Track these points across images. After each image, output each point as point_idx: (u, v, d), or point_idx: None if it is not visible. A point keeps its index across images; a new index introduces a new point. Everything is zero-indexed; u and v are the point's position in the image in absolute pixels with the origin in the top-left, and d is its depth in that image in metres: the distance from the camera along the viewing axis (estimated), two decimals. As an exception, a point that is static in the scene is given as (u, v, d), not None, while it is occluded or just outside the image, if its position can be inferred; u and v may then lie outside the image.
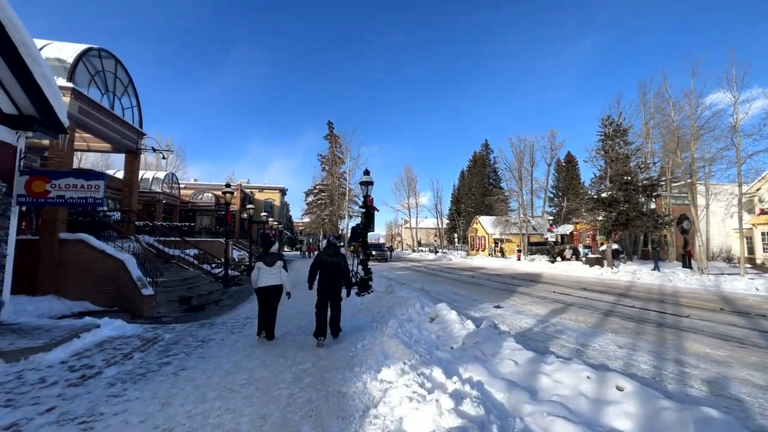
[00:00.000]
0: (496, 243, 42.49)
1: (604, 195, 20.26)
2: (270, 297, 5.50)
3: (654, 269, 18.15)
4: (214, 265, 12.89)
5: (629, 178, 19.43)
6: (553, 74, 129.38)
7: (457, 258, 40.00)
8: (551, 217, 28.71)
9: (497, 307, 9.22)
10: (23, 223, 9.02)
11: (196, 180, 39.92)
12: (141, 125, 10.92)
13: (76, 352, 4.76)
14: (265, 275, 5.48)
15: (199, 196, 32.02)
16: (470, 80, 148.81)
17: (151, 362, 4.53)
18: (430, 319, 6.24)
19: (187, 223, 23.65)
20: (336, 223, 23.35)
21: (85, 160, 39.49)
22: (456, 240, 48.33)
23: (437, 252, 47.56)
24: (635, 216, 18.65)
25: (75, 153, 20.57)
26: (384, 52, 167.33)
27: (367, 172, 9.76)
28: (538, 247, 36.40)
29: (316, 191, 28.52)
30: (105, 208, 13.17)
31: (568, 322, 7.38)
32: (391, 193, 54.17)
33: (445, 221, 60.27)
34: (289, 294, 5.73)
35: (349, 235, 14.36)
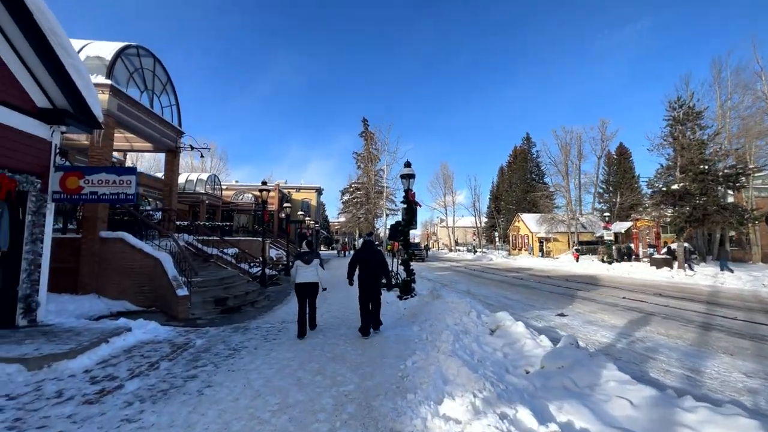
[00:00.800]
0: (540, 242, 39.88)
1: (674, 187, 17.80)
2: (308, 292, 5.88)
3: (722, 270, 15.61)
4: (252, 264, 12.71)
5: (706, 167, 16.88)
6: (599, 61, 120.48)
7: (498, 258, 38.00)
8: (607, 214, 26.05)
9: (561, 315, 8.00)
10: (73, 221, 9.23)
11: (237, 181, 41.33)
12: (180, 124, 10.91)
13: (103, 360, 4.39)
14: (304, 272, 5.85)
15: (240, 197, 32.95)
16: (509, 72, 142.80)
17: (177, 375, 4.03)
18: (490, 331, 5.28)
19: (228, 223, 24.24)
20: (372, 221, 22.71)
21: (141, 163, 42.27)
22: (496, 239, 46.07)
23: (476, 251, 45.64)
24: (715, 210, 16.15)
25: (128, 155, 21.72)
26: (419, 46, 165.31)
27: (408, 164, 8.93)
28: (588, 246, 33.48)
29: (351, 190, 28.15)
30: (139, 203, 13.49)
31: (659, 338, 6.06)
32: (427, 192, 52.75)
33: (484, 219, 57.89)
34: (324, 288, 6.11)
35: (387, 233, 13.53)
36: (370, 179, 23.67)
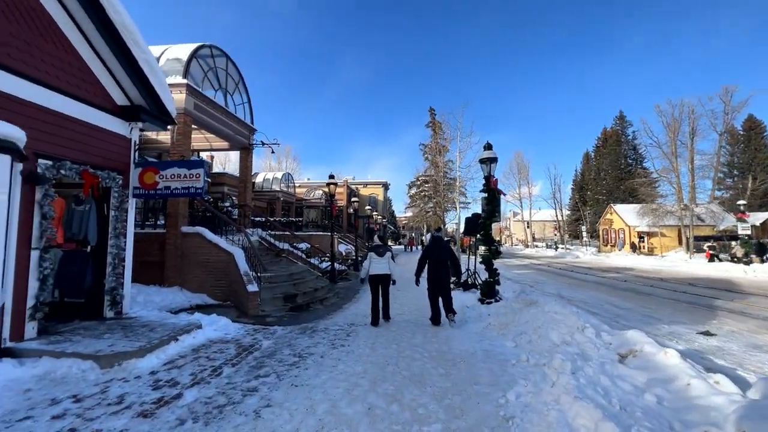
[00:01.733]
0: (640, 237, 34.17)
1: None
2: (380, 283, 6.17)
3: None
4: (322, 259, 12.60)
5: None
6: (714, 9, 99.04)
7: (585, 255, 33.58)
8: (742, 202, 20.73)
9: (705, 334, 6.05)
10: (161, 217, 9.99)
11: (309, 179, 43.37)
12: (252, 121, 11.15)
13: (170, 360, 4.19)
14: (376, 264, 6.15)
15: (311, 194, 34.33)
16: (593, 49, 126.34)
17: (237, 385, 3.58)
18: (619, 357, 3.90)
19: (299, 219, 25.24)
20: (441, 215, 21.51)
21: (228, 165, 47.01)
22: (584, 234, 40.89)
23: (557, 248, 41.11)
24: None
25: (215, 157, 23.84)
26: (489, 27, 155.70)
27: (488, 146, 7.66)
28: (708, 242, 27.46)
29: (418, 183, 27.19)
30: (219, 201, 14.24)
31: None
32: (499, 183, 48.82)
33: (565, 212, 51.98)
34: (394, 281, 6.37)
35: (462, 227, 12.33)
36: (439, 170, 22.42)
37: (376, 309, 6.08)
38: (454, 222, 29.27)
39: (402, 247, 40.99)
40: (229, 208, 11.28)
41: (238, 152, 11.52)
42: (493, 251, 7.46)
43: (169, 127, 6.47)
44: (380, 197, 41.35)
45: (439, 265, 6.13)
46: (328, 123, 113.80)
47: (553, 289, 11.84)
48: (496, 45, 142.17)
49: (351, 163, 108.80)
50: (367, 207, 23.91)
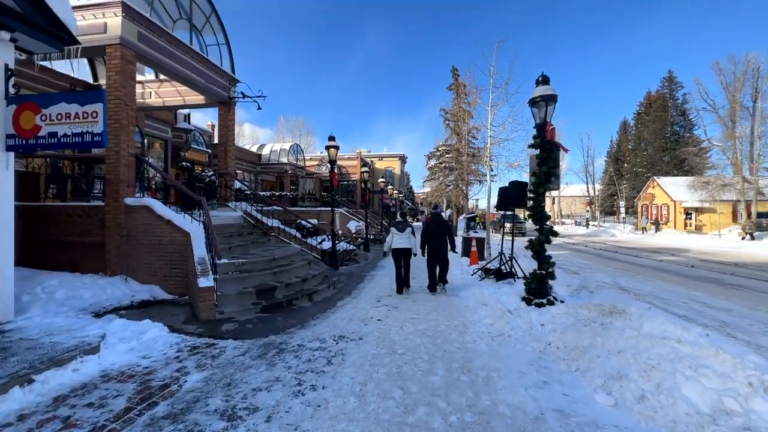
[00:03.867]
0: (687, 214, 30.54)
1: None
2: (402, 256, 6.66)
3: None
4: (322, 240, 10.69)
5: None
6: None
7: (623, 233, 30.38)
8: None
9: None
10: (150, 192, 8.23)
11: (321, 152, 41.26)
12: (233, 70, 9.00)
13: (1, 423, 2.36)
14: (398, 239, 6.67)
15: (324, 167, 32.31)
16: (635, 12, 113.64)
17: None
18: None
19: (293, 191, 23.44)
20: (464, 190, 19.08)
21: (241, 139, 45.25)
22: (621, 209, 37.24)
23: (588, 225, 37.84)
24: None
25: (215, 126, 21.95)
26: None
27: (544, 80, 5.24)
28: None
29: (438, 153, 24.53)
30: (193, 170, 12.39)
31: None
32: (525, 156, 45.15)
33: (598, 187, 47.89)
34: (415, 254, 6.81)
35: (492, 200, 10.07)
36: (462, 139, 19.78)
37: (399, 279, 6.70)
38: (475, 198, 26.66)
39: (420, 223, 38.82)
40: (212, 177, 9.39)
41: (212, 107, 9.40)
42: (547, 231, 5.22)
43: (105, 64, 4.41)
44: (397, 171, 38.85)
45: (438, 238, 6.64)
46: (349, 98, 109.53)
47: (605, 276, 9.53)
48: (527, 3, 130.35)
49: (371, 139, 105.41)
50: (381, 179, 21.60)
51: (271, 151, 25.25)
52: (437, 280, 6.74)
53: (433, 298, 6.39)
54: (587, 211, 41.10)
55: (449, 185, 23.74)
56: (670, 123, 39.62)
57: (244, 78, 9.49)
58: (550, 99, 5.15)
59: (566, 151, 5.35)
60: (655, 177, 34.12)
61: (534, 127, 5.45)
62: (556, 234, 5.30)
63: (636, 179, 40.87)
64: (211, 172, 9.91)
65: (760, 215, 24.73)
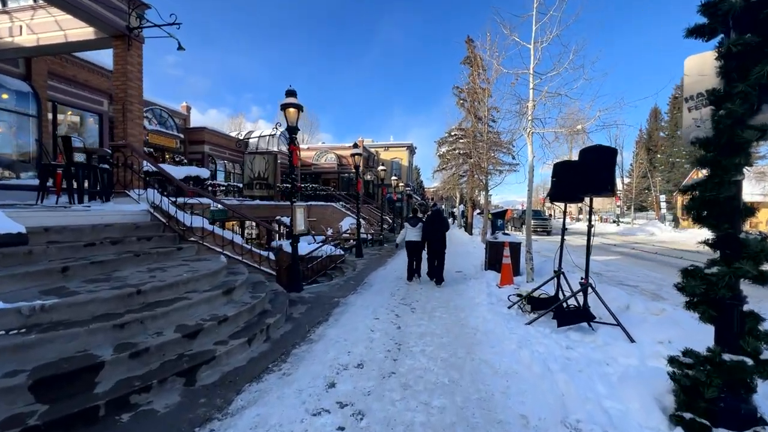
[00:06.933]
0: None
1: None
2: (415, 248, 7.21)
3: None
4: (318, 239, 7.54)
5: None
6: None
7: (663, 232, 26.45)
8: None
9: None
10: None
11: (323, 143, 38.18)
12: (141, -9, 5.92)
13: None
14: (411, 233, 7.22)
15: (322, 158, 29.22)
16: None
17: None
18: None
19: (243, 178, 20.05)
20: (484, 181, 15.72)
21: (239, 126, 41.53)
22: (662, 205, 33.10)
23: (618, 222, 33.84)
24: None
25: (191, 109, 18.64)
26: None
27: None
28: None
29: (451, 139, 21.15)
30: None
31: None
32: (540, 148, 40.87)
33: (626, 180, 43.50)
34: (425, 246, 7.20)
35: (540, 187, 6.50)
36: (476, 123, 16.44)
37: (410, 269, 7.29)
38: (491, 190, 23.31)
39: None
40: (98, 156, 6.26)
41: (106, 48, 6.19)
42: (755, 254, 1.95)
43: None
44: (404, 162, 35.49)
45: (437, 234, 6.95)
46: (360, 94, 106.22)
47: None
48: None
49: (379, 130, 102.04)
50: (381, 168, 18.11)
51: (259, 138, 22.27)
52: (432, 275, 7.11)
53: (450, 387, 3.21)
54: (618, 206, 37.05)
55: (464, 176, 20.39)
56: (713, 107, 35.01)
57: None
58: None
59: None
60: (699, 168, 29.82)
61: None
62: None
63: (673, 171, 36.55)
64: (108, 151, 6.72)
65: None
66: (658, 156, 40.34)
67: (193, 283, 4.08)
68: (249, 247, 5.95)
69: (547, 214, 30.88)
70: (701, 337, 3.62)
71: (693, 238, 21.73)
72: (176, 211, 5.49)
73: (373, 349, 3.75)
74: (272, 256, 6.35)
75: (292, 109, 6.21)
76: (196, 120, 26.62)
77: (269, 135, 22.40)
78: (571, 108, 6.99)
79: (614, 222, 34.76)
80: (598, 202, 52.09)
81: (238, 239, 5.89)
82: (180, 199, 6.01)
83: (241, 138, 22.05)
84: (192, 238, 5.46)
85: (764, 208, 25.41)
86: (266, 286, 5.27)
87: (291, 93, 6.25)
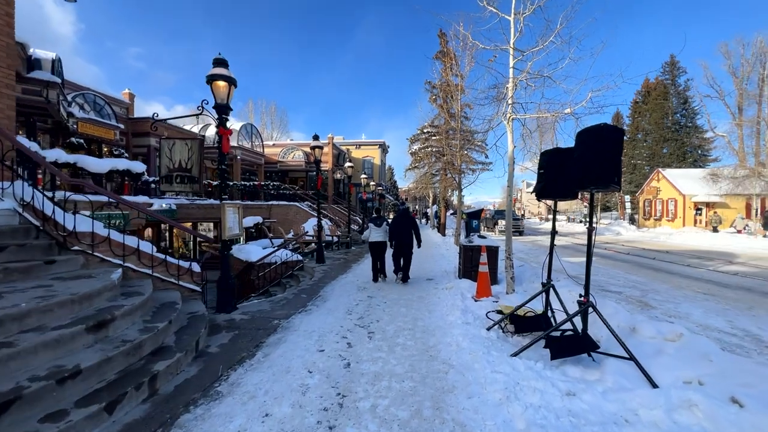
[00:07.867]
0: (698, 209, 27.53)
1: None
2: (379, 249, 7.32)
3: None
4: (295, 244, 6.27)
5: None
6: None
7: (628, 231, 27.14)
8: None
9: None
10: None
11: (291, 140, 36.38)
12: None
13: None
14: (375, 233, 7.31)
15: (289, 155, 27.52)
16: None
17: None
18: None
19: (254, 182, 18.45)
20: (457, 180, 14.93)
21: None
22: (627, 206, 34.15)
23: (585, 222, 34.66)
24: None
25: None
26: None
27: None
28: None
29: (423, 136, 20.32)
30: None
31: None
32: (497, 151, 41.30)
33: (592, 181, 44.85)
34: (389, 245, 7.36)
35: (505, 183, 5.74)
36: (450, 121, 15.69)
37: (375, 269, 7.38)
38: (459, 193, 22.88)
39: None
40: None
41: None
42: None
43: None
44: (376, 161, 34.46)
45: (403, 234, 7.07)
46: (336, 94, 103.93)
47: (704, 314, 5.52)
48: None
49: (353, 128, 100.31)
50: (349, 164, 16.84)
51: (216, 133, 20.42)
52: (399, 270, 7.17)
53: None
54: (584, 206, 38.00)
55: (436, 174, 19.60)
56: (671, 112, 36.70)
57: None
58: None
59: None
60: (660, 169, 31.01)
61: None
62: None
63: (634, 172, 37.95)
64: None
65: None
66: (623, 158, 41.91)
67: (37, 316, 2.76)
68: (162, 256, 4.61)
69: (519, 213, 30.90)
70: (736, 374, 2.75)
71: (656, 237, 22.29)
72: (54, 210, 4.07)
73: (304, 407, 2.61)
74: (197, 268, 5.03)
75: (221, 82, 4.95)
76: (161, 116, 24.20)
77: (195, 115, 20.56)
78: (558, 91, 6.20)
79: (581, 222, 35.57)
80: (564, 202, 53.43)
81: (146, 247, 4.54)
82: (80, 197, 4.58)
83: (195, 132, 20.03)
84: (76, 247, 4.07)
85: (719, 208, 26.69)
86: (177, 309, 3.97)
87: (220, 62, 4.98)
